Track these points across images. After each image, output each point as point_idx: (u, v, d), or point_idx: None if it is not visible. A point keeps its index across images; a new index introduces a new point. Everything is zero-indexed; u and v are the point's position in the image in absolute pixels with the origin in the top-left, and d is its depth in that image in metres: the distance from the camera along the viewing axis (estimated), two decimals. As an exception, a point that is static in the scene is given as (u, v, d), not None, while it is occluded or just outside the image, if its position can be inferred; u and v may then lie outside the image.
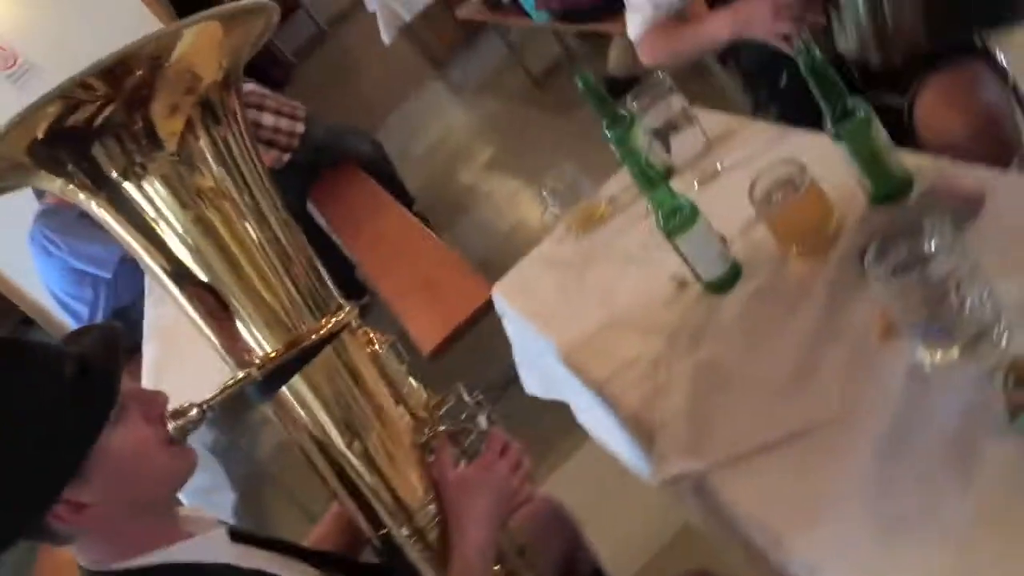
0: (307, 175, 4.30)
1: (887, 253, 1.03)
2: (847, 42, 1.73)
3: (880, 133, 1.27)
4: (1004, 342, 1.01)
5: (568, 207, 1.78)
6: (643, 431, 1.29)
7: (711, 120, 1.76)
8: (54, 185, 1.13)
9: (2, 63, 5.31)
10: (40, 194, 4.17)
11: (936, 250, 1.00)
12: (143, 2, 5.38)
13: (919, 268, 1.00)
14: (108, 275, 4.17)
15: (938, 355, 1.04)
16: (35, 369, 1.05)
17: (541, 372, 1.85)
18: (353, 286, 4.11)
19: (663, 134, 1.65)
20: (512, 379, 1.99)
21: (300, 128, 4.31)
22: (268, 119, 4.24)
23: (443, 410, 1.38)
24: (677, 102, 1.62)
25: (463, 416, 1.41)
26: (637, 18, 1.98)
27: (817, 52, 1.24)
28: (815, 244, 1.30)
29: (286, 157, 4.25)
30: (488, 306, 2.10)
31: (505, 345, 1.93)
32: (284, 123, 4.31)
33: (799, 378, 1.16)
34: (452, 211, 4.54)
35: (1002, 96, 1.76)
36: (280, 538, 1.31)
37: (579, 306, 1.62)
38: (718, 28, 1.83)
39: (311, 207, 4.34)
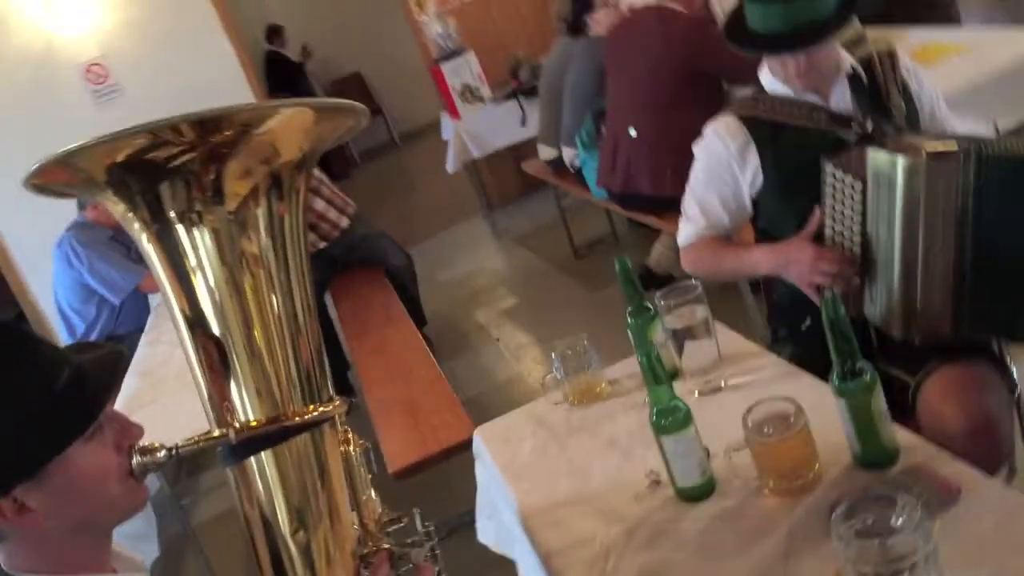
0: (334, 266, 4.40)
1: (855, 515, 1.06)
2: (874, 309, 1.80)
3: (880, 401, 1.32)
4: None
5: (571, 375, 1.82)
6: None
7: (728, 337, 1.83)
8: (116, 208, 1.19)
9: (93, 78, 5.55)
10: (82, 206, 4.28)
11: (902, 526, 1.03)
12: (239, 63, 5.65)
13: (882, 538, 1.02)
14: (116, 301, 4.23)
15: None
16: (34, 363, 1.08)
17: (498, 524, 1.85)
18: (342, 384, 4.13)
19: (680, 337, 1.71)
20: (469, 523, 1.98)
21: (345, 223, 4.45)
22: (319, 204, 4.38)
23: (392, 529, 1.39)
24: (701, 311, 1.69)
25: (409, 541, 1.41)
26: (689, 228, 2.09)
27: (842, 308, 1.30)
28: (791, 485, 1.33)
29: (321, 244, 4.37)
30: (466, 445, 2.12)
31: (471, 488, 1.93)
32: (332, 213, 4.45)
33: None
34: (459, 344, 4.60)
35: (1005, 405, 1.81)
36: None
37: (552, 473, 1.64)
38: (759, 260, 1.94)
39: (327, 297, 4.42)
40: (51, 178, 1.20)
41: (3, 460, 1.03)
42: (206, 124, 1.10)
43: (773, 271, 1.92)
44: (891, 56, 1.98)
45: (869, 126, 1.85)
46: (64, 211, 4.26)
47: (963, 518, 1.18)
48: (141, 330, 4.14)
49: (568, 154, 4.43)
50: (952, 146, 1.65)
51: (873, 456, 1.32)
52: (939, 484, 1.22)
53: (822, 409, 1.37)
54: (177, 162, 1.12)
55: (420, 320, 4.45)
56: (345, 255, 4.44)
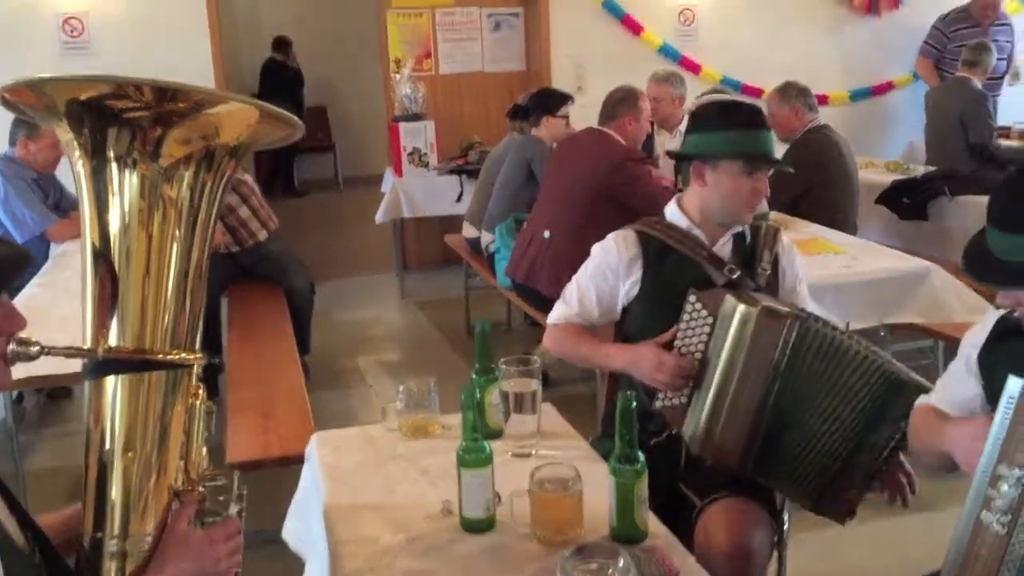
0: (239, 271, 4.54)
1: (582, 557, 1.29)
2: (687, 426, 2.07)
3: (643, 488, 1.57)
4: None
5: (411, 410, 2.04)
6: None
7: (552, 416, 2.08)
8: (65, 136, 1.39)
9: (69, 30, 5.69)
10: (12, 142, 4.37)
11: (613, 573, 1.26)
12: (211, 57, 5.88)
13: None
14: (19, 240, 4.29)
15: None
16: None
17: (303, 525, 2.03)
18: (211, 384, 4.23)
19: (509, 403, 1.95)
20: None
21: (263, 236, 4.63)
22: (244, 211, 4.56)
23: (211, 482, 1.56)
24: (533, 384, 1.93)
25: (221, 498, 1.59)
26: (562, 309, 2.35)
27: (632, 404, 1.56)
28: (555, 538, 1.56)
29: (234, 248, 4.52)
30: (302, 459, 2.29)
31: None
32: (254, 224, 4.62)
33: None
34: (333, 380, 4.76)
35: (767, 545, 2.08)
36: (12, 495, 1.44)
37: (364, 483, 1.85)
38: (614, 355, 2.21)
39: (224, 299, 4.55)
40: (20, 96, 1.40)
41: None
42: (166, 92, 1.33)
43: (623, 367, 2.19)
44: (775, 232, 2.32)
45: (735, 275, 2.16)
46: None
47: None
48: (32, 275, 4.20)
49: (485, 238, 4.71)
50: (786, 311, 1.97)
51: (625, 531, 1.57)
52: (665, 563, 1.47)
53: (602, 491, 1.61)
54: (130, 115, 1.34)
55: (304, 347, 4.59)
56: (253, 265, 4.60)
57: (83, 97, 1.35)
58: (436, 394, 2.06)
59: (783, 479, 2.08)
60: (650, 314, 2.24)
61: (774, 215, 4.03)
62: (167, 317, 1.43)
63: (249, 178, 4.72)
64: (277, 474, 2.65)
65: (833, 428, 1.99)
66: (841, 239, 3.77)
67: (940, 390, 1.84)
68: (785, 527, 2.24)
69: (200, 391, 1.55)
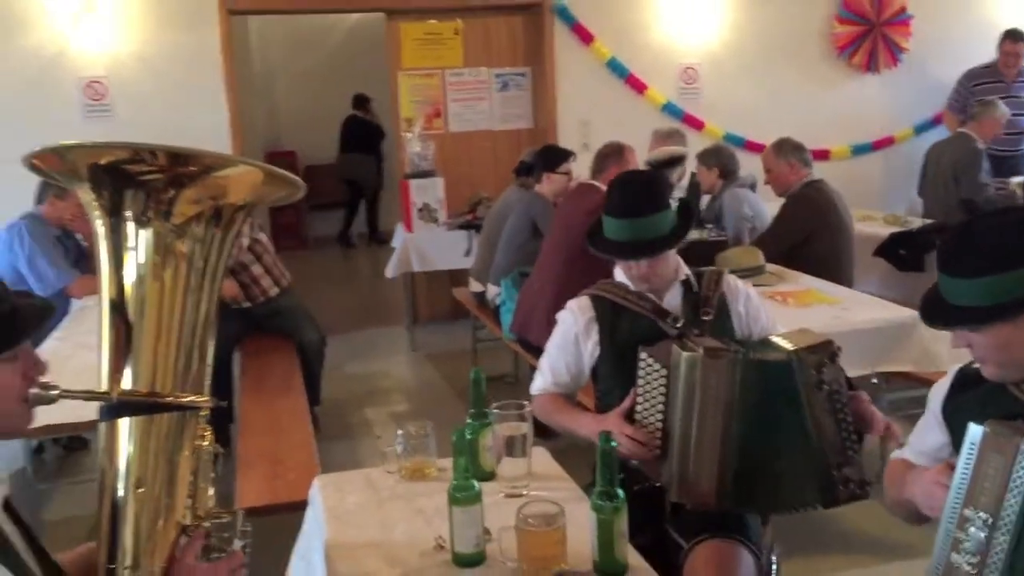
0: (251, 326, 4.67)
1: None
2: (663, 477, 2.15)
3: (623, 524, 1.66)
4: None
5: (409, 453, 2.14)
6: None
7: (545, 460, 2.17)
8: (85, 197, 1.53)
9: (91, 93, 5.92)
10: (40, 200, 4.56)
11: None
12: (228, 117, 6.09)
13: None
14: (41, 294, 4.44)
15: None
16: None
17: (306, 563, 2.12)
18: (221, 435, 4.33)
19: (502, 445, 2.04)
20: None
21: (274, 292, 4.76)
22: (257, 269, 4.69)
23: (217, 520, 1.66)
24: (524, 427, 2.03)
25: (226, 534, 1.69)
26: (540, 381, 2.50)
27: (612, 445, 1.67)
28: (538, 572, 1.65)
29: (246, 304, 4.65)
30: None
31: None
32: (266, 281, 4.75)
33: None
34: (342, 430, 4.85)
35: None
36: (33, 534, 1.55)
37: (364, 522, 1.95)
38: (584, 425, 2.32)
39: (236, 353, 4.67)
40: (45, 162, 1.54)
41: None
42: (178, 157, 1.47)
43: (592, 437, 2.28)
44: (718, 276, 2.43)
45: (679, 324, 2.26)
46: (20, 200, 4.54)
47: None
48: (52, 329, 4.34)
49: (491, 291, 4.84)
50: (727, 348, 2.06)
51: (607, 565, 1.66)
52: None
53: (586, 528, 1.70)
54: (145, 177, 1.48)
55: (314, 398, 4.70)
56: (265, 319, 4.73)
57: (103, 161, 1.49)
58: (433, 438, 2.16)
59: (773, 500, 2.15)
60: (615, 373, 2.35)
61: (770, 268, 4.14)
62: (178, 363, 1.55)
63: (264, 237, 4.87)
64: (285, 522, 2.74)
65: (793, 433, 2.06)
66: (834, 290, 3.87)
67: (911, 443, 1.93)
68: (774, 567, 2.30)
69: (208, 433, 1.66)
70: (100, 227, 1.53)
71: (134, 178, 1.48)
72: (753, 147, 6.69)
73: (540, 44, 6.72)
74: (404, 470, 2.14)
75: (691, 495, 2.11)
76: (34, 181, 4.39)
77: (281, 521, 2.75)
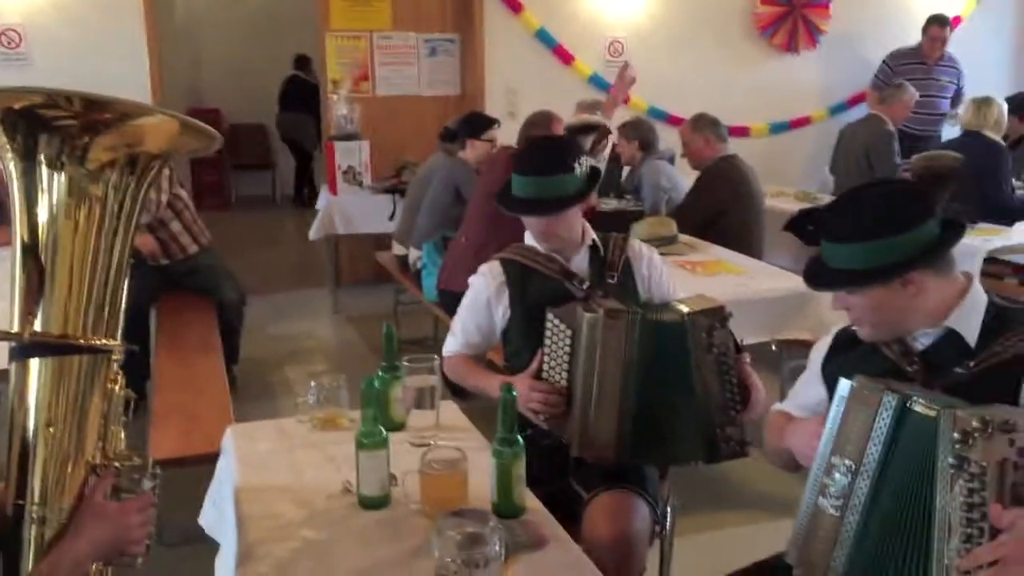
0: (168, 283, 4.64)
1: (459, 519, 1.47)
2: (568, 433, 2.25)
3: (520, 468, 1.76)
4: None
5: (322, 404, 2.20)
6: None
7: (452, 412, 2.26)
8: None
9: (5, 41, 5.77)
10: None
11: (486, 534, 1.44)
12: (148, 70, 5.99)
13: (468, 544, 1.44)
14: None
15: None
16: None
17: (218, 511, 2.18)
18: (137, 389, 4.32)
19: (412, 397, 2.12)
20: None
21: (193, 250, 4.73)
22: (176, 226, 4.66)
23: (128, 462, 1.70)
24: (432, 380, 2.11)
25: (136, 476, 1.73)
26: (451, 342, 2.57)
27: (512, 395, 1.76)
28: (437, 511, 1.73)
29: (164, 261, 4.62)
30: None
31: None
32: (185, 238, 4.72)
33: None
34: (261, 391, 4.88)
35: (646, 532, 2.27)
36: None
37: (274, 468, 2.02)
38: (493, 387, 2.34)
39: (153, 310, 4.64)
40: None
41: None
42: (94, 103, 1.49)
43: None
44: (623, 240, 2.55)
45: (586, 285, 2.37)
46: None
47: (540, 560, 1.61)
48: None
49: (413, 255, 4.89)
50: (626, 310, 2.17)
51: (505, 506, 1.75)
52: (535, 532, 1.65)
53: (488, 474, 1.80)
54: (60, 123, 1.50)
55: (232, 357, 4.72)
56: (183, 276, 4.70)
57: (17, 106, 1.51)
58: (345, 390, 2.23)
59: (665, 453, 2.28)
60: (523, 335, 2.44)
61: (684, 238, 4.28)
62: (90, 306, 1.59)
63: (184, 193, 4.82)
64: (201, 472, 2.78)
65: (684, 391, 2.19)
66: (742, 261, 4.03)
67: (792, 396, 2.06)
68: (668, 518, 2.43)
69: (119, 378, 1.70)
70: (13, 170, 1.55)
71: (49, 123, 1.50)
72: (675, 121, 6.82)
73: (470, 11, 6.75)
74: (316, 420, 2.21)
75: (591, 449, 2.21)
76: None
77: (197, 473, 2.79)
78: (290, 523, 1.75)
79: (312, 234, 6.15)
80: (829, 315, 3.43)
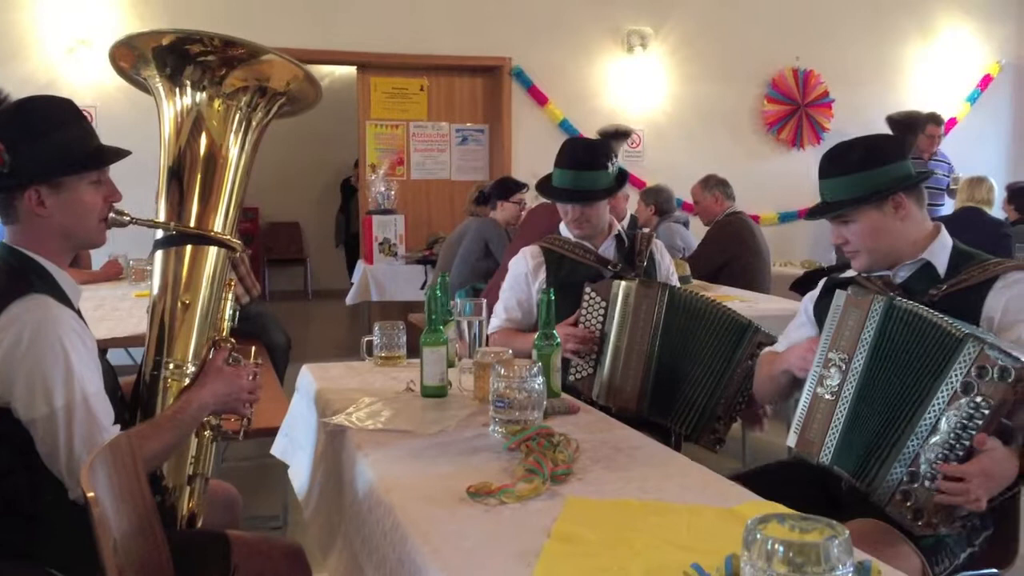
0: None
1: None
2: (595, 388, 2.60)
3: (557, 360, 2.13)
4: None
5: (384, 346, 2.58)
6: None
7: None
8: (152, 74, 1.98)
9: (80, 120, 6.35)
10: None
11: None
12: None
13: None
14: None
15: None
16: (87, 125, 1.81)
17: (290, 439, 2.53)
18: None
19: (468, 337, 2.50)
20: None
21: (245, 301, 5.12)
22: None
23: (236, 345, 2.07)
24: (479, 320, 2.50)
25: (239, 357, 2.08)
26: (496, 320, 2.94)
27: (552, 296, 2.13)
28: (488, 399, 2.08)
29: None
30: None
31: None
32: (239, 289, 5.13)
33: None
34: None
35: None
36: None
37: (349, 381, 2.43)
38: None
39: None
40: (123, 57, 2.01)
41: (49, 160, 1.73)
42: (231, 42, 1.93)
43: None
44: (648, 238, 2.97)
45: (618, 267, 2.77)
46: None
47: (574, 420, 1.97)
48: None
49: (446, 307, 5.28)
50: (657, 283, 2.60)
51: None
52: (570, 403, 2.03)
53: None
54: (201, 57, 1.94)
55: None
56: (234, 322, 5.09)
57: (166, 43, 1.94)
58: (404, 335, 2.60)
59: (672, 415, 2.61)
60: (557, 311, 2.81)
61: (696, 283, 4.67)
62: (219, 207, 2.00)
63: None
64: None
65: (703, 370, 2.56)
66: (749, 295, 4.40)
67: (783, 338, 2.40)
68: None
69: (245, 267, 2.10)
70: (162, 92, 1.98)
71: (191, 55, 1.94)
72: (689, 208, 7.28)
73: (499, 103, 7.36)
74: (379, 359, 2.58)
75: (617, 399, 2.56)
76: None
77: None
78: (363, 401, 2.11)
79: (349, 299, 6.57)
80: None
